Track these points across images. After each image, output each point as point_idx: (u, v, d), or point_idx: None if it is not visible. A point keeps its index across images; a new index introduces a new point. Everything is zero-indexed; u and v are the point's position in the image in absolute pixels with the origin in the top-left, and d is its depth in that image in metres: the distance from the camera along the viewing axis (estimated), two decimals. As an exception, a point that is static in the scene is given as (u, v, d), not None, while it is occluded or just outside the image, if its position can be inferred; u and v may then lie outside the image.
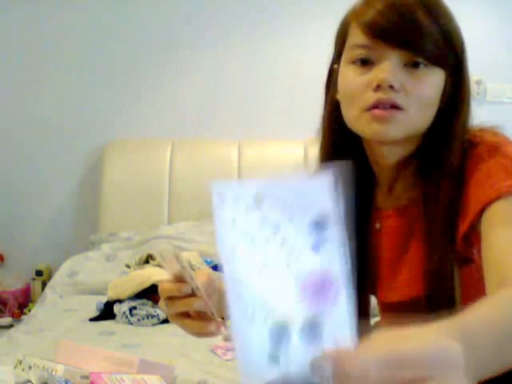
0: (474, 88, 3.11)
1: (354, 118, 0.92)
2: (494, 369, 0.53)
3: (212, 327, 0.82)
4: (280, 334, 0.45)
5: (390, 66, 0.88)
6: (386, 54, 0.88)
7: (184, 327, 0.84)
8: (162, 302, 0.84)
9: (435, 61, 0.89)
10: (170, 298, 0.82)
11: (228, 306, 0.46)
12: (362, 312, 1.09)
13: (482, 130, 0.95)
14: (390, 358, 0.41)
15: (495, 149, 0.88)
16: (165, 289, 0.82)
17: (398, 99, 0.88)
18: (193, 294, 0.80)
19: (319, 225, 0.46)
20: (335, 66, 0.98)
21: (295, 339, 0.45)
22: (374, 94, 0.88)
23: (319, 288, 0.45)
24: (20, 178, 3.32)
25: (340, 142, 1.00)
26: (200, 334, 0.84)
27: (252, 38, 3.23)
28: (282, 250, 0.46)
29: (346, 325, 0.45)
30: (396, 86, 0.87)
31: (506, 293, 0.67)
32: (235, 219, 0.47)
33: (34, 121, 3.29)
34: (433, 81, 0.90)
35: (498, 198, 0.83)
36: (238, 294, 0.46)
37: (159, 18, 3.23)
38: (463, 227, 0.87)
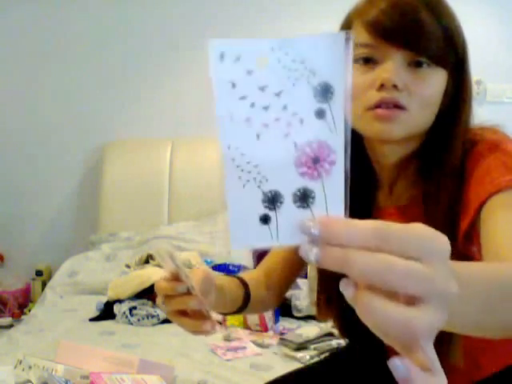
0: (474, 88, 3.11)
1: (357, 116, 0.92)
2: (484, 324, 0.52)
3: (207, 326, 0.83)
4: (272, 199, 0.44)
5: (393, 66, 0.88)
6: (389, 54, 0.88)
7: (181, 325, 0.85)
8: (159, 300, 0.85)
9: (438, 60, 0.89)
10: (167, 296, 0.83)
11: (222, 168, 0.45)
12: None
13: (482, 128, 0.95)
14: (377, 229, 0.41)
15: (495, 146, 0.88)
16: (160, 287, 0.83)
17: (401, 99, 0.88)
18: (189, 293, 0.81)
19: (324, 92, 0.44)
20: None
21: (287, 206, 0.45)
22: (377, 93, 0.88)
23: (316, 158, 0.44)
24: (20, 178, 3.32)
25: None
26: (196, 332, 0.85)
27: (252, 38, 3.23)
28: (282, 117, 0.44)
29: (337, 198, 0.45)
30: (399, 85, 0.87)
31: (503, 262, 0.68)
32: (235, 82, 0.44)
33: (34, 121, 3.29)
34: (435, 80, 0.90)
35: (497, 192, 0.82)
36: (233, 159, 0.44)
37: (159, 18, 3.23)
38: (464, 225, 0.87)
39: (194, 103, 3.24)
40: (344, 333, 1.15)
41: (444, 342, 0.90)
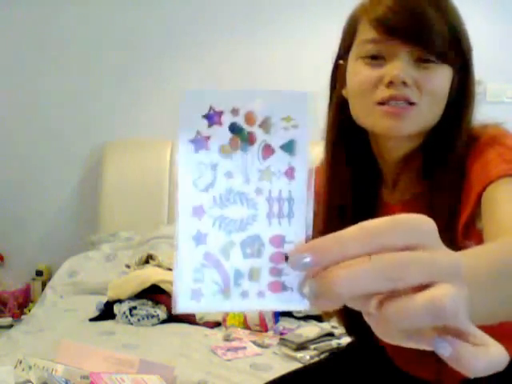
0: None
1: (365, 111, 0.93)
2: (494, 310, 0.48)
3: None
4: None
5: (401, 63, 0.89)
6: (396, 50, 0.89)
7: None
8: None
9: (444, 58, 0.90)
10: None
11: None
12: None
13: (484, 126, 0.95)
14: (362, 231, 0.39)
15: (493, 140, 0.90)
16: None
17: (411, 95, 0.89)
18: None
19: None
20: (341, 62, 0.98)
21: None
22: (386, 90, 0.89)
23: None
24: (20, 178, 3.32)
25: (346, 139, 1.00)
26: None
27: (252, 37, 3.23)
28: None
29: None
30: (408, 81, 0.88)
31: (505, 238, 0.67)
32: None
33: (33, 121, 3.29)
34: (442, 77, 0.91)
35: (491, 182, 0.83)
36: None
37: (159, 18, 3.23)
38: (463, 218, 0.88)
39: (193, 103, 3.23)
40: (350, 331, 1.15)
41: None
